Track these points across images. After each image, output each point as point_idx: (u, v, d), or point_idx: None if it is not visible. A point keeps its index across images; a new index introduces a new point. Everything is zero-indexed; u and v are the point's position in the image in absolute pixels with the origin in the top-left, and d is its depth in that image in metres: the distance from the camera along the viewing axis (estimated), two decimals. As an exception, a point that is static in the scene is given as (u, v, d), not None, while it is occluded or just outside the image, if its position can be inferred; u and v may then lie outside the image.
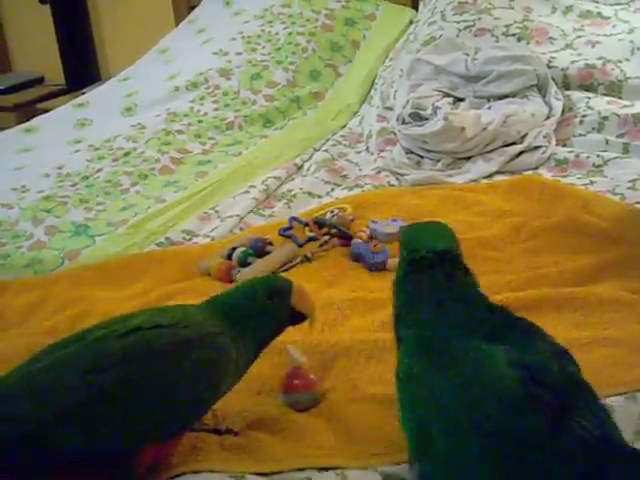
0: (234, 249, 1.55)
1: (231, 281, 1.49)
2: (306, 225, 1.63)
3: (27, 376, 0.94)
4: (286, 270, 1.50)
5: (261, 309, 1.06)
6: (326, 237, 1.58)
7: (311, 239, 1.59)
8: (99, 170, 2.14)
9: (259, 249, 1.55)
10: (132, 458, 0.94)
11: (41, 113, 2.78)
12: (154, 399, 0.94)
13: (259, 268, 1.48)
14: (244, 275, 1.46)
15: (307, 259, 1.53)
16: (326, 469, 1.00)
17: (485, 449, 0.82)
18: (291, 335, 1.24)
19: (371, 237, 1.58)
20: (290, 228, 1.63)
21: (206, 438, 1.04)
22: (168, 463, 1.00)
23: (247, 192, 1.89)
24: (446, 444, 0.85)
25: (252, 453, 1.02)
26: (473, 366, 0.88)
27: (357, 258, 1.53)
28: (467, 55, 2.17)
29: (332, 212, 1.65)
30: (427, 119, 1.99)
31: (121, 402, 0.92)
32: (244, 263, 1.51)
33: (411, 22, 2.64)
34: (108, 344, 0.95)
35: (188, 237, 1.73)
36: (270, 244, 1.57)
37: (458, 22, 2.34)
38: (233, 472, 0.98)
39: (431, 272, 1.00)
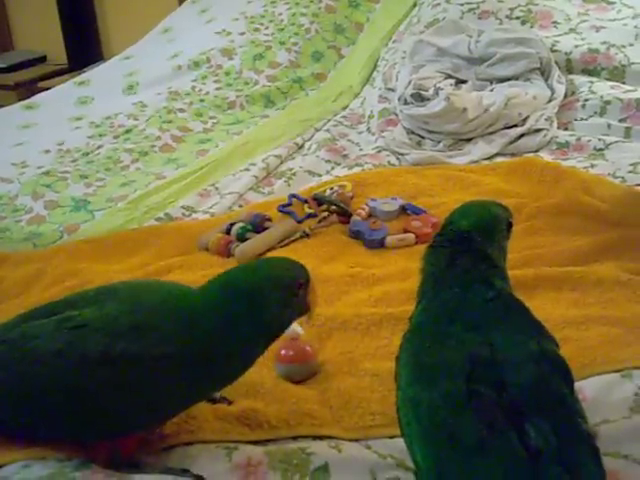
0: (233, 224, 1.55)
1: (229, 256, 1.49)
2: (305, 202, 1.63)
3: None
4: (284, 245, 1.50)
5: (287, 302, 0.96)
6: (325, 214, 1.57)
7: (310, 216, 1.59)
8: (100, 147, 2.14)
9: (258, 225, 1.55)
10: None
11: (43, 92, 2.77)
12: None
13: (257, 243, 1.48)
14: (241, 249, 1.46)
15: (305, 235, 1.52)
16: (320, 438, 1.00)
17: (424, 436, 0.83)
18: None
19: (370, 215, 1.58)
20: (289, 205, 1.63)
21: (200, 406, 1.03)
22: (161, 433, 1.00)
23: (247, 170, 1.89)
24: (406, 430, 0.86)
25: (246, 421, 1.02)
26: (438, 354, 0.86)
27: (356, 235, 1.52)
28: (470, 37, 2.16)
29: (332, 189, 1.65)
30: (429, 100, 1.98)
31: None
32: (242, 238, 1.51)
33: (415, 4, 2.62)
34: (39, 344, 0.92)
35: (187, 213, 1.73)
36: (269, 220, 1.57)
37: (462, 4, 2.33)
38: (226, 441, 0.99)
39: (437, 251, 0.99)
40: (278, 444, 1.00)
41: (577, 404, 0.86)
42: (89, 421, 0.91)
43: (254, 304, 0.94)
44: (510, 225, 1.03)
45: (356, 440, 1.01)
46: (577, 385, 1.07)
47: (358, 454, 0.97)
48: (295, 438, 1.01)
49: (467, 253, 0.95)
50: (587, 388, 1.07)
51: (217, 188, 1.82)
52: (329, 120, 2.19)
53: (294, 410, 1.04)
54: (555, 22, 2.23)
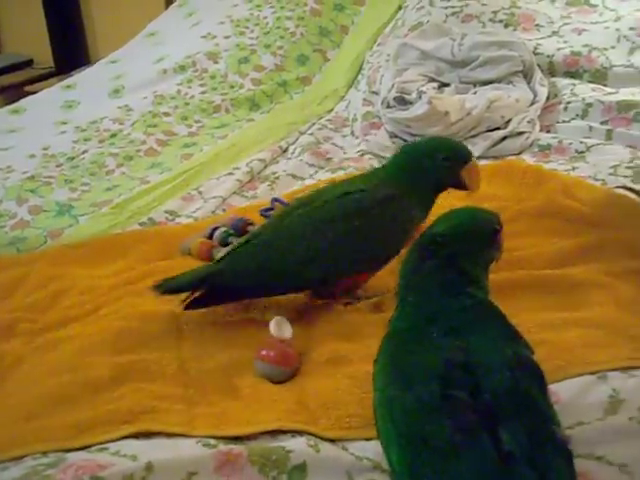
0: (215, 229, 1.55)
1: (211, 260, 1.49)
2: (287, 206, 1.63)
3: (277, 231, 1.30)
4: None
5: (437, 169, 1.33)
6: (306, 217, 1.58)
7: (292, 219, 1.59)
8: (85, 151, 2.14)
9: (240, 229, 1.55)
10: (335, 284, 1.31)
11: (29, 96, 2.77)
12: (367, 243, 1.28)
13: (239, 247, 1.49)
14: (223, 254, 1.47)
15: (287, 239, 1.53)
16: (300, 434, 1.01)
17: (398, 438, 0.84)
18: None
19: (352, 218, 1.59)
20: (271, 209, 1.63)
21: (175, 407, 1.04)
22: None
23: (231, 174, 1.90)
24: (381, 432, 0.87)
25: (222, 419, 1.03)
26: (415, 357, 0.88)
27: (338, 238, 1.53)
28: (453, 40, 2.17)
29: (313, 193, 1.65)
30: (411, 103, 1.99)
31: (346, 246, 1.27)
32: (225, 243, 1.52)
33: (400, 7, 2.64)
34: (330, 205, 1.29)
35: (171, 217, 1.73)
36: (251, 224, 1.57)
37: (445, 8, 2.34)
38: (207, 437, 1.00)
39: (410, 254, 1.00)
40: (258, 441, 1.01)
41: (551, 409, 0.87)
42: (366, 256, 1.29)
43: (418, 164, 1.33)
44: (495, 232, 1.03)
45: (333, 441, 1.02)
46: (553, 387, 1.08)
47: (335, 455, 0.99)
48: (274, 436, 1.02)
49: (433, 258, 0.96)
50: (562, 390, 1.08)
51: (201, 192, 1.83)
52: (314, 124, 2.19)
53: (273, 411, 1.05)
54: (538, 25, 2.25)
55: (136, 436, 0.99)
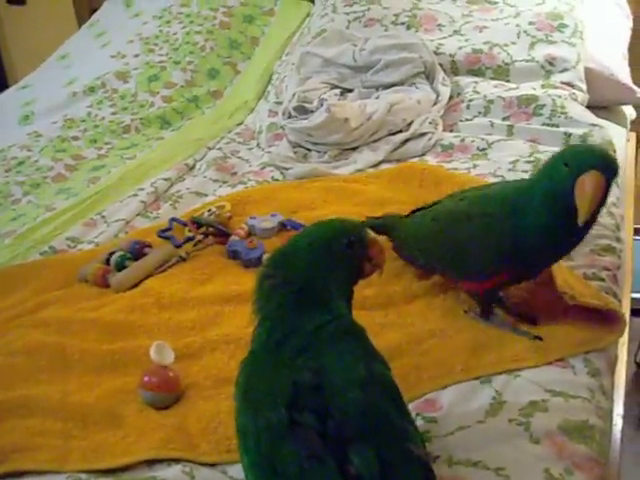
0: (112, 254, 1.53)
1: (107, 286, 1.48)
2: (185, 225, 1.62)
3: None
4: (162, 271, 1.49)
5: (556, 177, 1.12)
6: (201, 236, 1.57)
7: (189, 239, 1.58)
8: (-10, 182, 2.10)
9: (137, 252, 1.54)
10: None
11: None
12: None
13: (133, 271, 1.47)
14: (118, 279, 1.45)
15: (182, 259, 1.52)
16: (177, 462, 1.00)
17: (252, 468, 0.82)
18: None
19: (250, 233, 1.58)
20: (169, 229, 1.62)
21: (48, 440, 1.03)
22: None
23: (135, 195, 1.86)
24: (241, 459, 0.85)
25: (97, 451, 1.02)
26: (266, 382, 0.86)
27: (234, 255, 1.52)
28: (355, 46, 2.17)
29: (209, 211, 1.64)
30: (312, 112, 1.99)
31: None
32: (121, 267, 1.50)
33: (308, 15, 2.64)
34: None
35: (72, 244, 1.70)
36: (149, 247, 1.56)
37: (348, 13, 2.35)
38: (81, 471, 0.98)
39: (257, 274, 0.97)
40: (132, 472, 1.00)
41: (409, 427, 0.85)
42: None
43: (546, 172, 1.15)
44: (347, 247, 0.94)
45: (213, 465, 1.01)
46: (434, 395, 1.09)
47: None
48: (151, 465, 1.01)
49: (271, 277, 0.92)
50: (444, 397, 1.08)
51: (104, 217, 1.79)
52: (222, 138, 2.17)
53: (151, 437, 1.04)
54: (440, 25, 2.26)
55: (5, 477, 0.97)
